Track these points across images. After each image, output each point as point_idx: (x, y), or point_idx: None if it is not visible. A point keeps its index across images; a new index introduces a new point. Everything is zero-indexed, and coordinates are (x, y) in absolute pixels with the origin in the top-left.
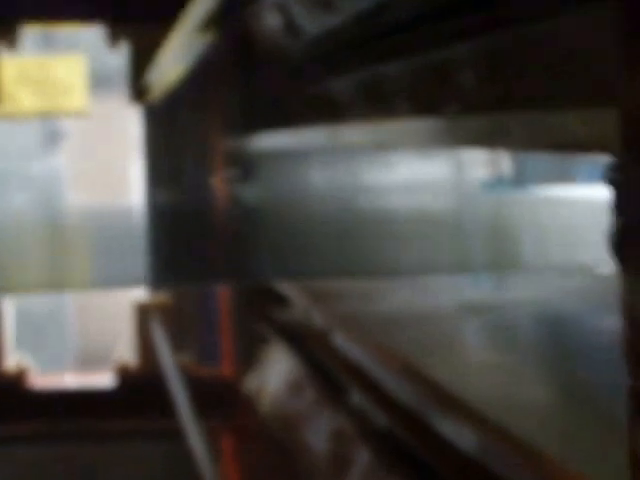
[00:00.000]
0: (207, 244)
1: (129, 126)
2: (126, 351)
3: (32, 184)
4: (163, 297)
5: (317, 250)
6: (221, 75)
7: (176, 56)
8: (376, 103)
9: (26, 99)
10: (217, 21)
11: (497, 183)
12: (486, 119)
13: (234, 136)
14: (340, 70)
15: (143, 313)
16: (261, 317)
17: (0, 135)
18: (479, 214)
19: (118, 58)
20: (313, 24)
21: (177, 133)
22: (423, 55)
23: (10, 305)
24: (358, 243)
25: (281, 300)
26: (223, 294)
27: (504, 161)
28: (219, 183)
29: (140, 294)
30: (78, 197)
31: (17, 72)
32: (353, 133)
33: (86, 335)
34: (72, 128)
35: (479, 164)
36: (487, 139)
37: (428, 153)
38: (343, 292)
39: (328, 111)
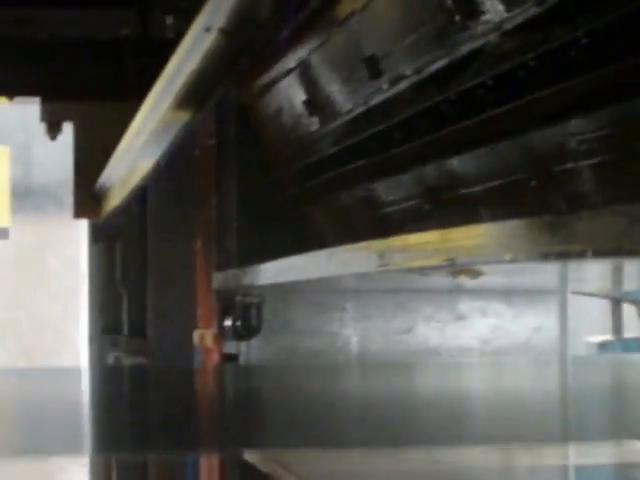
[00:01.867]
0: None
1: (70, 253)
2: None
3: None
4: None
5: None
6: (207, 177)
7: (142, 149)
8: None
9: None
10: (201, 105)
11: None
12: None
13: (229, 268)
14: (387, 169)
15: None
16: None
17: None
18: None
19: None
20: (351, 101)
21: (141, 265)
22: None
23: None
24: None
25: None
26: None
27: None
28: (206, 337)
29: None
30: None
31: None
32: (410, 252)
33: None
34: None
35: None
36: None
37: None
38: None
39: (373, 225)
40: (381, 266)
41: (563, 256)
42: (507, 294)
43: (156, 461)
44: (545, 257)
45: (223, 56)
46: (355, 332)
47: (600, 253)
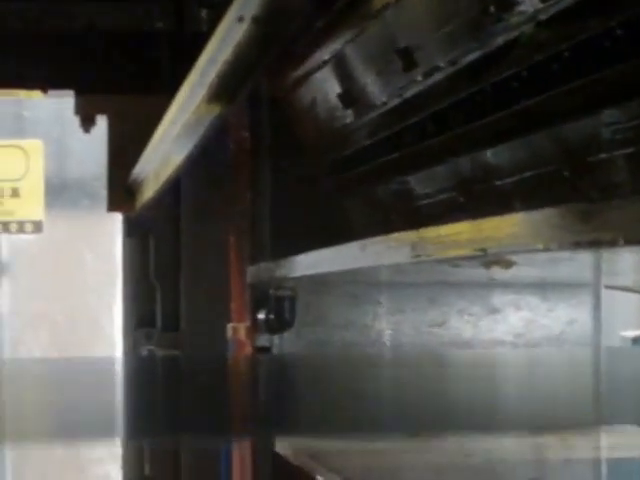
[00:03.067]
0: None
1: (105, 248)
2: None
3: None
4: None
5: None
6: (241, 170)
7: (175, 142)
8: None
9: None
10: (234, 97)
11: None
12: None
13: (262, 261)
14: (421, 161)
15: None
16: None
17: None
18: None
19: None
20: (385, 93)
21: (175, 258)
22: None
23: None
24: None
25: None
26: None
27: None
28: (239, 330)
29: None
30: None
31: None
32: (442, 243)
33: None
34: (20, 251)
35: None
36: None
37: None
38: None
39: (407, 217)
40: (414, 257)
41: (595, 245)
42: (541, 287)
43: (188, 447)
44: (577, 246)
45: (256, 46)
46: (388, 325)
47: (632, 242)
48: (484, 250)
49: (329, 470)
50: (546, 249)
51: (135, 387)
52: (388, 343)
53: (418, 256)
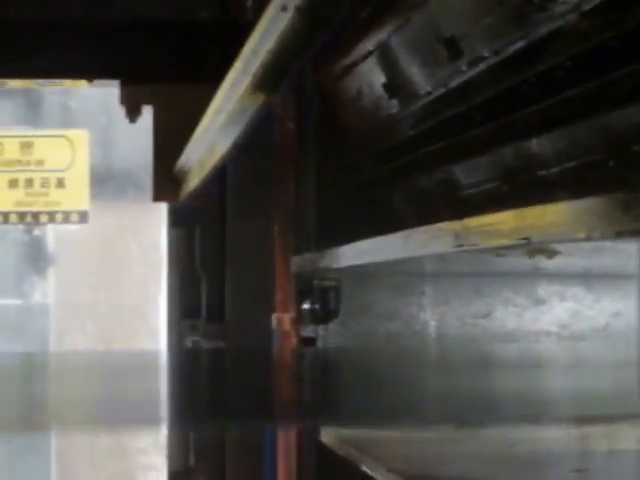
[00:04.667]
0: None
1: (150, 238)
2: None
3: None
4: None
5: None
6: (286, 161)
7: (220, 131)
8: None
9: (0, 193)
10: (278, 86)
11: None
12: None
13: (307, 251)
14: (465, 151)
15: None
16: None
17: None
18: None
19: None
20: (430, 83)
21: (220, 249)
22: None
23: None
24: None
25: None
26: None
27: None
28: (284, 320)
29: None
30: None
31: None
32: (486, 232)
33: None
34: (65, 242)
35: None
36: None
37: None
38: None
39: (451, 207)
40: (457, 247)
41: (637, 234)
42: (586, 278)
43: (233, 435)
44: (619, 235)
45: (299, 36)
46: (433, 316)
47: None
48: (527, 239)
49: (374, 460)
50: (588, 238)
51: (180, 378)
52: (433, 334)
53: (461, 245)
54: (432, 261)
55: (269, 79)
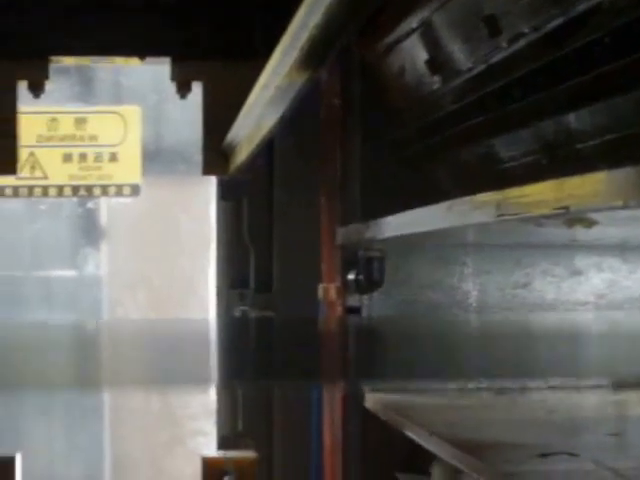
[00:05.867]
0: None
1: (199, 210)
2: None
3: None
4: (241, 453)
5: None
6: (332, 134)
7: (268, 106)
8: (561, 163)
9: (55, 167)
10: (323, 61)
11: None
12: None
13: (352, 223)
14: (506, 125)
15: (215, 472)
16: None
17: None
18: None
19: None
20: (471, 59)
21: (267, 220)
22: None
23: None
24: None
25: (416, 457)
26: (330, 450)
27: None
28: (330, 290)
29: (211, 449)
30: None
31: (44, 128)
32: (526, 202)
33: None
34: (118, 215)
35: None
36: None
37: None
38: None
39: (491, 178)
40: (498, 216)
41: None
42: (622, 249)
43: (280, 393)
44: None
45: (344, 11)
46: (474, 286)
47: None
48: (566, 208)
49: (416, 424)
50: (625, 206)
51: (229, 345)
52: (474, 303)
53: (502, 215)
54: (473, 232)
55: (316, 54)
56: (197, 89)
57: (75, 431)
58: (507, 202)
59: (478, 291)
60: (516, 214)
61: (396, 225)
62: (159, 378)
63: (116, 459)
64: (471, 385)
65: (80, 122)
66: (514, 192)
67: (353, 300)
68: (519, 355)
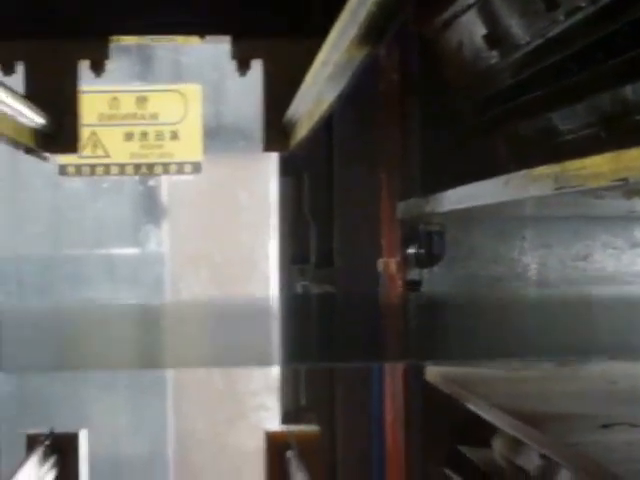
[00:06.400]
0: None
1: (260, 187)
2: None
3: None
4: (304, 428)
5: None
6: (391, 109)
7: (327, 82)
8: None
9: (116, 146)
10: (382, 37)
11: None
12: None
13: (411, 197)
14: (563, 98)
15: (278, 446)
16: (452, 457)
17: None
18: None
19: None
20: (528, 33)
21: (328, 196)
22: None
23: None
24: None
25: (477, 429)
26: (392, 423)
27: None
28: (390, 265)
29: (274, 423)
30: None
31: (106, 107)
32: (584, 174)
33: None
34: (181, 190)
35: None
36: None
37: None
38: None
39: (549, 151)
40: (557, 189)
41: None
42: None
43: (342, 373)
44: None
45: None
46: (534, 259)
47: None
48: (625, 180)
49: (477, 397)
50: None
51: (291, 321)
52: (534, 277)
53: (561, 188)
54: (533, 205)
55: (374, 30)
56: (257, 66)
57: (139, 408)
58: (565, 175)
59: (538, 264)
60: (574, 187)
61: (455, 199)
62: (222, 355)
63: (180, 435)
64: (532, 357)
65: (141, 101)
66: (572, 165)
67: (413, 274)
68: (580, 327)
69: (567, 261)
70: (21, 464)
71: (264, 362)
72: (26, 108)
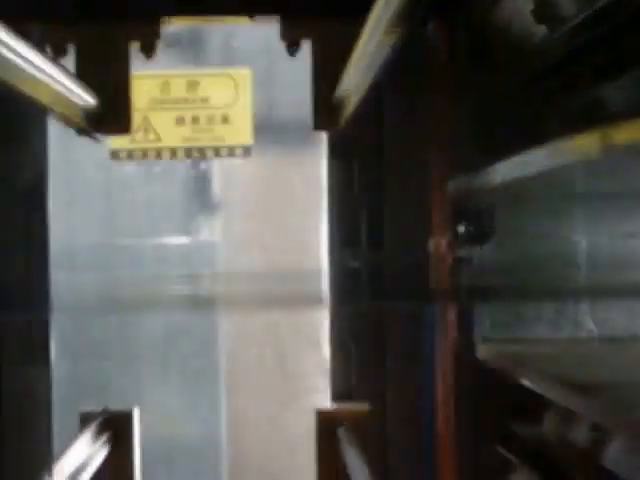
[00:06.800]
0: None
1: (310, 169)
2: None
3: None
4: (354, 406)
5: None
6: (438, 86)
7: (368, 62)
8: None
9: (168, 130)
10: (421, 16)
11: None
12: None
13: (461, 174)
14: (612, 71)
15: (329, 425)
16: (504, 434)
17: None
18: None
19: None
20: (576, 7)
21: (378, 176)
22: None
23: None
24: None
25: (529, 407)
26: (442, 399)
27: None
28: (440, 243)
29: (325, 401)
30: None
31: (157, 91)
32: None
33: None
34: (231, 176)
35: None
36: None
37: None
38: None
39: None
40: (604, 147)
41: None
42: None
43: (391, 346)
44: None
45: None
46: (583, 236)
47: None
48: None
49: (530, 372)
50: None
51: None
52: (584, 253)
53: (607, 145)
54: (582, 182)
55: (414, 8)
56: (306, 47)
57: (193, 392)
58: (613, 133)
59: (588, 241)
60: (622, 149)
61: (504, 171)
62: (274, 332)
63: (232, 417)
64: (583, 334)
65: (192, 85)
66: (620, 126)
67: (464, 252)
68: (630, 304)
69: (617, 238)
70: (74, 440)
71: (314, 339)
72: (79, 88)
